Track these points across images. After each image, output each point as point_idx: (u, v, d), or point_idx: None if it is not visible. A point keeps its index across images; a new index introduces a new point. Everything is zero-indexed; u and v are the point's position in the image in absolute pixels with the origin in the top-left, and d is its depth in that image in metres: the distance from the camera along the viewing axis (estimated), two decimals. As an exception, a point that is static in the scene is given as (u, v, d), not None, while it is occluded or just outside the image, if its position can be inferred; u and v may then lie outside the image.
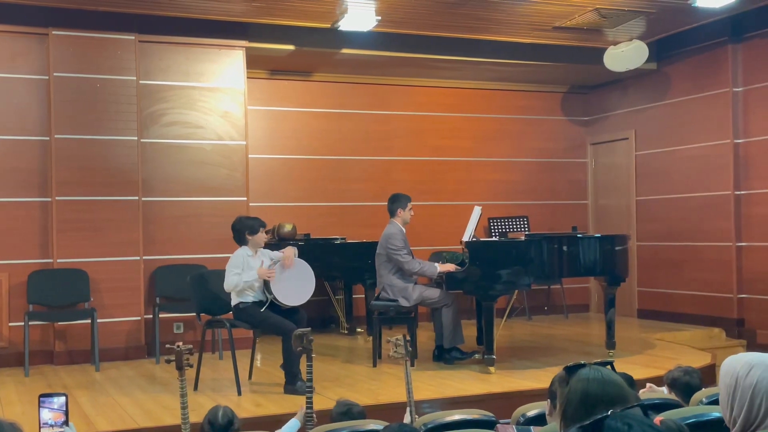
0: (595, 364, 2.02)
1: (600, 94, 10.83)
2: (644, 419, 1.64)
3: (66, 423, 2.80)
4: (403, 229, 6.98)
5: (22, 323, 7.07)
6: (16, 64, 7.50)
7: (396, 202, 7.05)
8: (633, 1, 7.62)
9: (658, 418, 1.75)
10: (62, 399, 2.79)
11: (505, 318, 7.61)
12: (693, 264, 9.38)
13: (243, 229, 6.13)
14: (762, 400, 2.12)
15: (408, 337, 4.19)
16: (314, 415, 4.05)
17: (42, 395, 2.80)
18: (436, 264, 6.91)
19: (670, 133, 9.68)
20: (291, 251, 6.18)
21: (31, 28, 7.47)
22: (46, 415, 2.78)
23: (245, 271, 6.00)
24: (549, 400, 2.71)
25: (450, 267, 6.78)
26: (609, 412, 1.65)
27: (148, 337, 7.68)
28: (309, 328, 4.42)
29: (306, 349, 4.28)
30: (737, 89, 8.91)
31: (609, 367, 2.03)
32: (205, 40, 8.03)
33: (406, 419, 4.02)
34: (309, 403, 4.15)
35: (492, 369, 6.48)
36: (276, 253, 6.24)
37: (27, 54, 7.52)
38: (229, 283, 6.01)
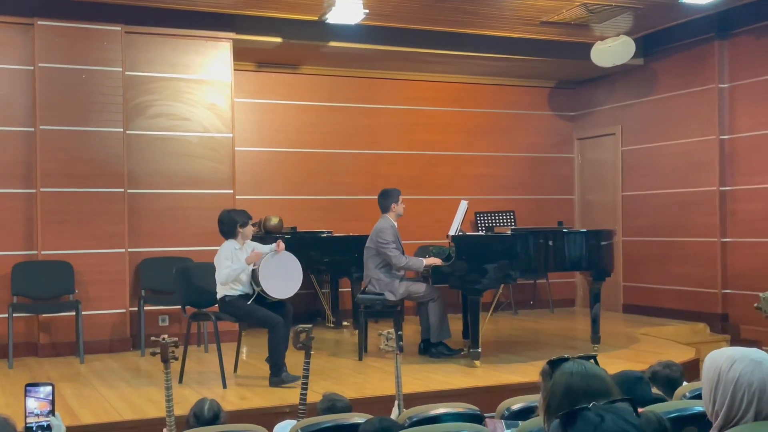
0: (579, 358, 2.03)
1: (587, 90, 10.85)
2: (622, 411, 1.64)
3: (52, 413, 2.79)
4: (395, 224, 7.00)
5: (6, 315, 7.02)
6: (1, 54, 7.43)
7: (388, 197, 7.06)
8: (620, -3, 7.64)
9: (638, 410, 1.76)
10: (48, 388, 2.79)
11: (491, 312, 7.64)
12: (678, 259, 9.43)
13: (233, 223, 6.12)
14: (744, 393, 2.14)
15: (400, 332, 4.23)
16: (306, 410, 4.07)
17: (28, 384, 2.79)
18: (423, 259, 6.93)
19: (656, 128, 9.72)
20: (281, 243, 6.23)
21: (15, 18, 7.41)
22: (32, 404, 2.77)
23: (235, 264, 6.00)
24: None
25: (436, 261, 6.80)
26: (591, 405, 1.65)
27: (133, 330, 7.65)
28: (311, 325, 4.43)
29: (306, 345, 4.30)
30: (723, 85, 8.95)
31: (592, 361, 2.04)
32: (191, 32, 7.99)
33: (394, 412, 4.03)
34: (303, 398, 4.16)
35: (477, 363, 6.49)
36: (262, 247, 6.24)
37: (11, 44, 7.46)
38: (223, 277, 6.00)
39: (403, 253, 6.96)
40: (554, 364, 2.05)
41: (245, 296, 6.06)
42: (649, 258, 9.81)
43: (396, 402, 4.12)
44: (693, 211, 9.23)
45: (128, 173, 7.72)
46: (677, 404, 3.06)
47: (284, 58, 9.21)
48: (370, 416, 3.15)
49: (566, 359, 2.00)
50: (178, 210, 7.96)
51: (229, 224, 6.14)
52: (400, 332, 4.22)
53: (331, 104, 9.78)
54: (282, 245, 6.20)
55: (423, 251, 8.38)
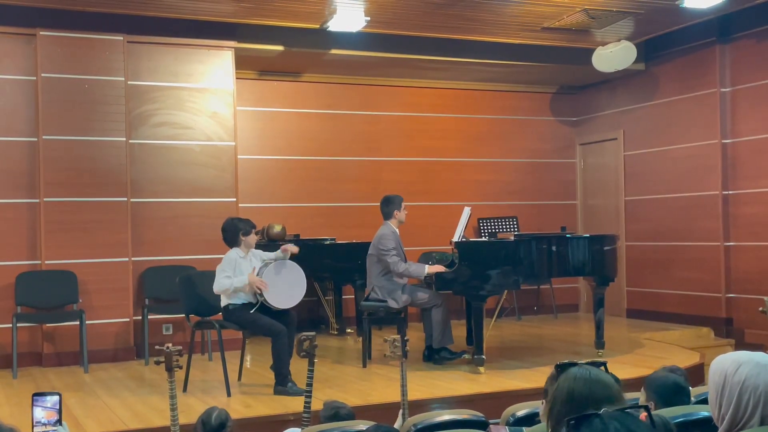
0: (588, 364, 2.01)
1: (588, 95, 10.86)
2: (626, 417, 1.63)
3: (59, 422, 2.78)
4: (397, 231, 6.99)
5: (10, 325, 7.03)
6: (4, 64, 7.46)
7: (391, 204, 7.04)
8: (621, 2, 7.65)
9: (643, 414, 1.75)
10: (55, 398, 2.79)
11: (494, 318, 7.62)
12: (681, 264, 9.42)
13: (236, 231, 6.11)
14: (749, 397, 2.14)
15: (407, 338, 4.22)
16: (310, 418, 4.06)
17: (35, 394, 2.79)
18: (426, 265, 6.91)
19: (658, 133, 9.72)
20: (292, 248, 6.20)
21: (18, 28, 7.43)
22: (39, 413, 2.77)
23: (236, 274, 5.98)
24: (544, 399, 2.71)
25: (439, 268, 6.79)
26: (601, 411, 1.64)
27: (137, 339, 7.65)
28: (314, 333, 4.43)
29: (309, 353, 4.30)
30: (725, 89, 8.95)
31: (603, 368, 2.02)
32: (193, 41, 8.00)
33: (399, 420, 4.02)
34: (307, 406, 4.16)
35: (482, 369, 6.48)
36: (268, 254, 6.23)
37: (14, 54, 7.49)
38: (218, 286, 5.99)
39: (405, 260, 6.95)
40: (562, 368, 2.04)
41: (248, 305, 6.05)
42: (653, 262, 9.80)
43: (401, 410, 4.12)
44: (696, 215, 9.22)
45: (131, 182, 7.73)
46: (683, 409, 3.05)
47: (286, 66, 9.23)
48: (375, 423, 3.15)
49: (574, 364, 1.99)
50: (181, 218, 7.97)
51: (232, 232, 6.13)
52: (406, 338, 4.21)
53: (332, 111, 9.80)
54: (290, 248, 6.15)
55: (426, 258, 8.38)
